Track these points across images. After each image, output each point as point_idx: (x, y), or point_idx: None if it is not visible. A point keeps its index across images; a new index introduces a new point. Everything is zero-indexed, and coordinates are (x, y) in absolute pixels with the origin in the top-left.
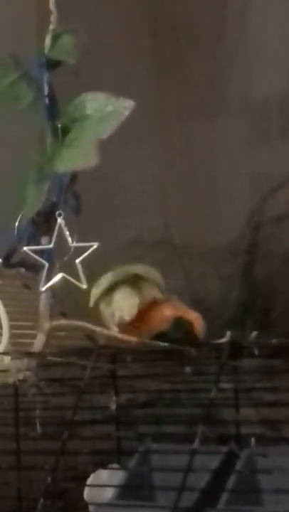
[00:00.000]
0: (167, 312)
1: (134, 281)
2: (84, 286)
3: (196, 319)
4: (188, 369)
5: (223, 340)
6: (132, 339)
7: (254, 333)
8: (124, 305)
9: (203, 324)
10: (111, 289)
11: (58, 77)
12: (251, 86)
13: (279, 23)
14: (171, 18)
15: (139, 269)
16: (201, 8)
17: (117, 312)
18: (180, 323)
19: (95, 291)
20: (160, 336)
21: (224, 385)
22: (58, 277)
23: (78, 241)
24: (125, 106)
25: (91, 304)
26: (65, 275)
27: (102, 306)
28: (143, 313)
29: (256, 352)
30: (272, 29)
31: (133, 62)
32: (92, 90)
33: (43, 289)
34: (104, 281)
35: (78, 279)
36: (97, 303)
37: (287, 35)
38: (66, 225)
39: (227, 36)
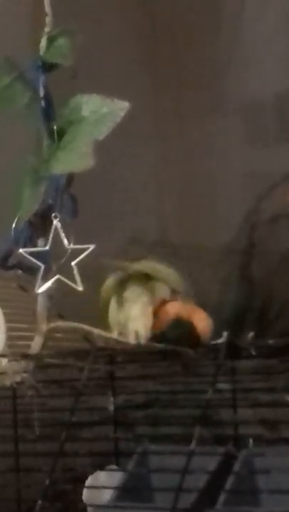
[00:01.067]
0: (171, 311)
1: (146, 281)
2: (80, 288)
3: (201, 319)
4: (179, 368)
5: (220, 340)
6: (129, 341)
7: (251, 334)
8: (139, 326)
9: (209, 324)
10: (121, 286)
11: (54, 79)
12: (248, 86)
13: (275, 24)
14: (167, 19)
15: (149, 268)
16: (197, 8)
17: (132, 332)
18: (179, 324)
19: (106, 288)
20: (160, 336)
21: (222, 386)
22: (53, 279)
23: (75, 242)
24: (120, 107)
25: (101, 301)
26: (61, 277)
27: (113, 306)
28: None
29: (253, 352)
30: (269, 29)
31: (130, 62)
32: (88, 92)
33: (39, 291)
34: (114, 279)
35: (75, 281)
36: (106, 299)
37: (284, 35)
38: (63, 227)
39: (223, 36)
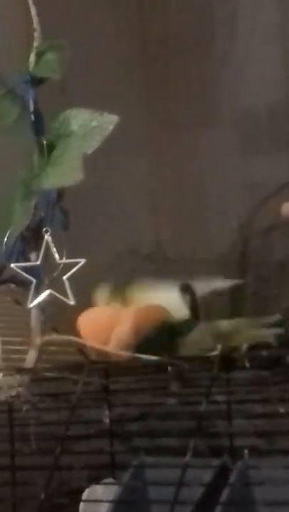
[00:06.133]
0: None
1: None
2: (72, 302)
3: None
4: (174, 386)
5: (214, 352)
6: (123, 353)
7: (245, 345)
8: None
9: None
10: None
11: (45, 93)
12: (241, 96)
13: (267, 34)
14: (159, 30)
15: None
16: (189, 20)
17: None
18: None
19: None
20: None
21: (217, 398)
22: (45, 294)
23: (69, 255)
24: (109, 121)
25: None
26: (52, 291)
27: None
28: None
29: (247, 364)
30: (261, 39)
31: (121, 74)
32: (80, 105)
33: (31, 305)
34: None
35: (67, 295)
36: None
37: (276, 45)
38: (55, 241)
39: (216, 47)
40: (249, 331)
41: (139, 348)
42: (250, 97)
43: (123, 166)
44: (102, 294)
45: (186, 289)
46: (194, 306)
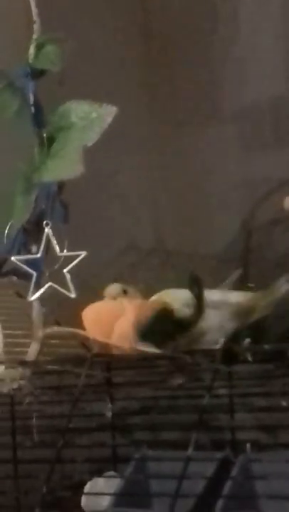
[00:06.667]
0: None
1: None
2: (73, 295)
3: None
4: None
5: (217, 346)
6: (125, 347)
7: (247, 340)
8: None
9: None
10: None
11: (47, 86)
12: (243, 93)
13: (270, 29)
14: (160, 26)
15: None
16: (190, 16)
17: None
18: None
19: None
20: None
21: (219, 391)
22: (45, 287)
23: (71, 249)
24: (108, 112)
25: None
26: (53, 284)
27: None
28: None
29: (249, 358)
30: (263, 35)
31: (125, 70)
32: (81, 99)
33: (31, 298)
34: None
35: (68, 288)
36: None
37: (279, 40)
38: (56, 233)
39: (217, 42)
40: (264, 300)
41: (142, 336)
42: (251, 94)
43: (125, 161)
44: (111, 291)
45: (195, 281)
46: (200, 298)
